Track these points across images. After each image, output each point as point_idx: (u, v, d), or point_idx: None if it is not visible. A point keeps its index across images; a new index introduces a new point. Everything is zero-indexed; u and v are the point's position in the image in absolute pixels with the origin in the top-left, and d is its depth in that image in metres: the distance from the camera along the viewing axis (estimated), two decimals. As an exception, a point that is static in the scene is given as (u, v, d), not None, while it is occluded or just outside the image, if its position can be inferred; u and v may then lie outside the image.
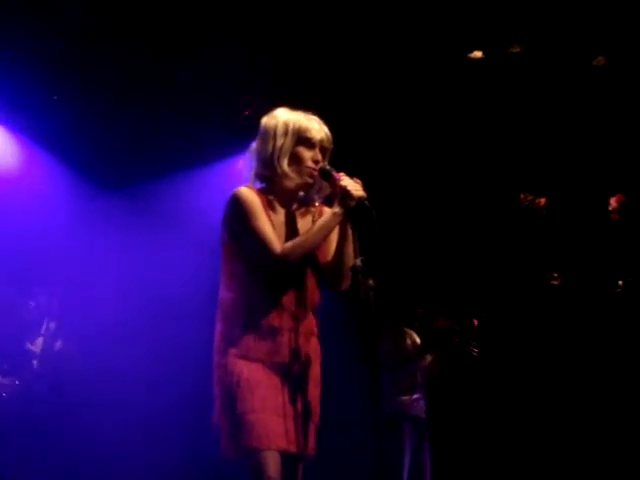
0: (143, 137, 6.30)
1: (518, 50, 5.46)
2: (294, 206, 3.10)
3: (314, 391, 2.98)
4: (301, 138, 3.01)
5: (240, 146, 3.89)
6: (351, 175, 2.96)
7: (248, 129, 3.54)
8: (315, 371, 3.00)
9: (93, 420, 5.79)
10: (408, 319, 5.39)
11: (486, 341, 5.28)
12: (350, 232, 2.96)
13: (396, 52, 5.57)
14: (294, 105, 3.12)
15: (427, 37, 5.44)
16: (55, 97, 5.90)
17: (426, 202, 6.52)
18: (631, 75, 5.54)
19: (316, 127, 3.04)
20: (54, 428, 5.60)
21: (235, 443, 2.83)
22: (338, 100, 5.79)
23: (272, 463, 2.79)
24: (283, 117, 3.05)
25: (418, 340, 5.35)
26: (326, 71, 5.75)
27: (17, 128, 6.18)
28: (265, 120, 3.09)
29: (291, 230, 3.03)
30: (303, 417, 2.92)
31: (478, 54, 5.52)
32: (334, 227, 2.97)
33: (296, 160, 3.00)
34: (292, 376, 2.94)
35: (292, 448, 2.87)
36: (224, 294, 3.01)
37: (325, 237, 3.00)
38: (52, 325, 6.00)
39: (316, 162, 3.01)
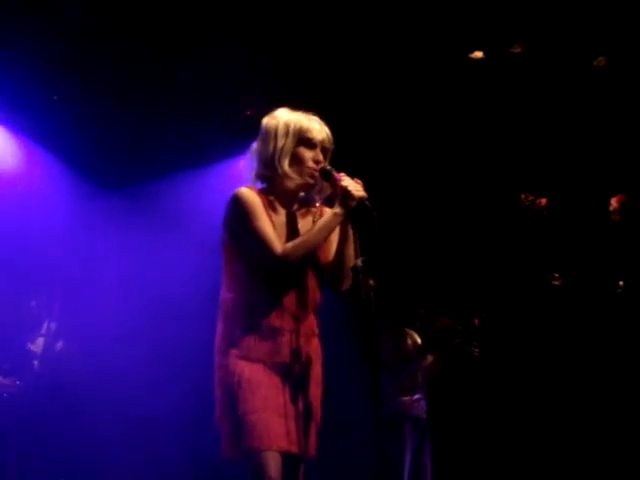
0: (143, 137, 6.30)
1: (519, 50, 5.45)
2: (295, 206, 3.09)
3: (315, 391, 2.98)
4: (302, 138, 3.01)
5: (240, 146, 3.89)
6: (352, 175, 2.96)
7: (248, 129, 3.54)
8: (316, 371, 3.00)
9: (94, 420, 5.79)
10: (409, 319, 5.39)
11: (487, 341, 5.27)
12: (351, 232, 2.95)
13: (397, 52, 5.57)
14: (295, 105, 3.12)
15: (428, 37, 5.44)
16: (55, 97, 5.90)
17: (427, 202, 6.51)
18: (632, 76, 5.53)
19: (317, 127, 3.04)
20: (55, 428, 5.60)
21: (236, 443, 2.83)
22: (339, 100, 5.79)
23: (273, 464, 2.79)
24: (284, 117, 3.05)
25: (419, 340, 5.35)
26: (327, 71, 5.74)
27: (17, 128, 6.18)
28: (266, 120, 3.09)
29: (292, 230, 3.03)
30: (304, 417, 2.92)
31: (479, 54, 5.51)
32: (335, 227, 2.97)
33: (297, 160, 3.00)
34: (293, 376, 2.93)
35: (293, 448, 2.87)
36: (225, 294, 3.01)
37: (326, 237, 3.00)
38: (53, 325, 5.99)
39: (317, 162, 3.01)
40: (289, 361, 2.93)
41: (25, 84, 5.69)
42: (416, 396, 5.16)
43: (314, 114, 3.10)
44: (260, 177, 3.07)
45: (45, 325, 5.99)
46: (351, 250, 2.94)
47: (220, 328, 2.99)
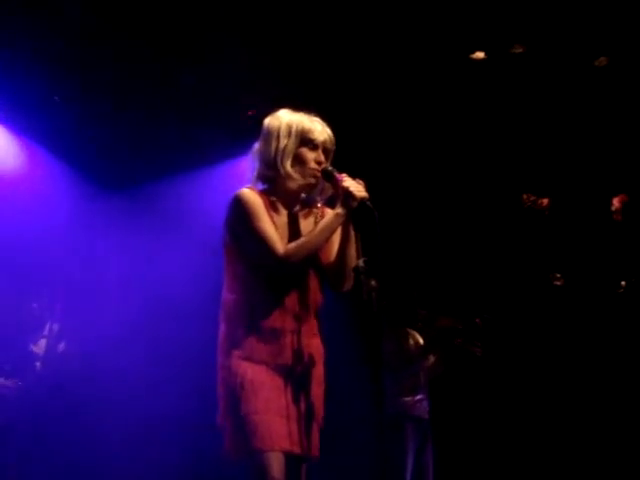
0: (144, 137, 6.29)
1: (520, 51, 5.45)
2: (296, 207, 3.09)
3: (317, 392, 2.98)
4: (304, 139, 3.01)
5: (242, 147, 3.89)
6: (353, 176, 2.96)
7: (250, 130, 3.54)
8: (318, 372, 3.00)
9: (95, 421, 5.79)
10: (411, 319, 5.39)
11: (489, 341, 5.27)
12: (352, 233, 2.95)
13: (398, 53, 5.56)
14: (296, 106, 3.12)
15: (429, 38, 5.43)
16: (56, 97, 5.89)
17: (428, 203, 6.51)
18: (633, 76, 5.53)
19: (319, 128, 3.04)
20: (56, 429, 5.60)
21: (239, 444, 2.83)
22: (340, 101, 5.78)
23: (276, 464, 2.79)
24: (286, 118, 3.05)
25: (421, 340, 5.35)
26: (328, 72, 5.74)
27: (18, 128, 6.17)
28: (268, 121, 3.08)
29: (294, 231, 3.03)
30: (306, 418, 2.92)
31: (480, 55, 5.51)
32: (337, 228, 2.97)
33: (299, 161, 3.00)
34: (295, 377, 2.93)
35: (296, 449, 2.87)
36: (227, 295, 3.01)
37: (328, 238, 2.99)
38: (55, 327, 5.98)
39: (319, 163, 3.01)
40: (291, 362, 2.93)
41: (25, 84, 5.68)
42: (418, 396, 5.15)
43: (316, 115, 3.10)
44: (262, 178, 3.07)
45: (47, 326, 5.98)
46: (353, 251, 2.94)
47: (222, 329, 2.99)
